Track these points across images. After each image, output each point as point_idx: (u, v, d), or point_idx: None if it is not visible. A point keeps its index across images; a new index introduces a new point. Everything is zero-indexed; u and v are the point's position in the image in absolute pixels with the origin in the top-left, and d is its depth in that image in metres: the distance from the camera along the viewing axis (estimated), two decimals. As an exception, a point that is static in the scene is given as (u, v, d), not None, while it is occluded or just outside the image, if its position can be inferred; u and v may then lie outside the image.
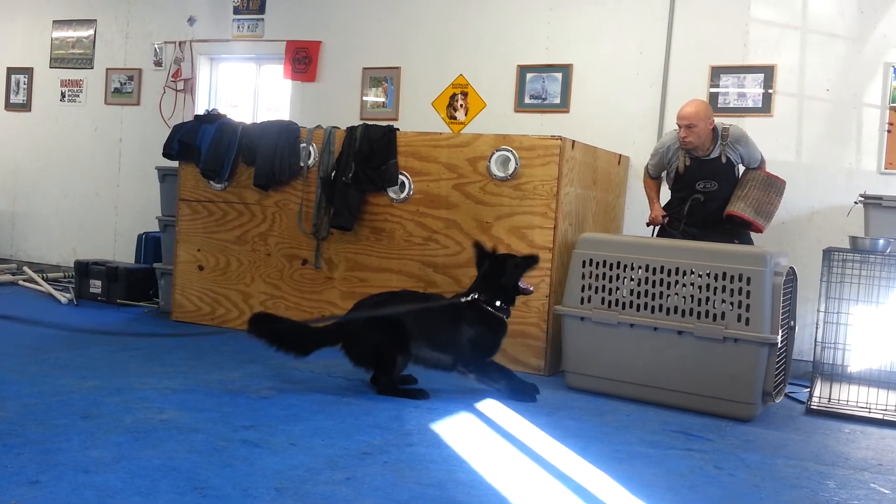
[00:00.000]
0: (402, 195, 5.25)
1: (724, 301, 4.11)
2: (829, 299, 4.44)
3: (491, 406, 4.03)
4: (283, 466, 2.90)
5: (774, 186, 4.94)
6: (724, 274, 4.12)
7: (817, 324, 4.46)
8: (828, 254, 4.50)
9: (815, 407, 4.36)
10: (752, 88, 5.62)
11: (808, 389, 4.55)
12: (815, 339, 4.47)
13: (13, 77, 8.53)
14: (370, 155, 5.27)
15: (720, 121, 5.07)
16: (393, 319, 4.06)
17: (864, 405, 4.30)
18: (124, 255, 7.68)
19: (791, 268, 4.29)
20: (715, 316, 4.12)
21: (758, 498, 2.96)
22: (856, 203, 4.88)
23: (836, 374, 4.49)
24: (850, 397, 4.35)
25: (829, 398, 4.37)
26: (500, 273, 4.23)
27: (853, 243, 4.57)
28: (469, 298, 4.18)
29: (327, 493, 2.68)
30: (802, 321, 4.95)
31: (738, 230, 5.00)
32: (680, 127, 4.90)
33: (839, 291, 4.47)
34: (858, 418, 4.25)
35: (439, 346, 4.16)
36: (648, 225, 5.25)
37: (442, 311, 4.19)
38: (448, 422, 3.69)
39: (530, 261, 4.32)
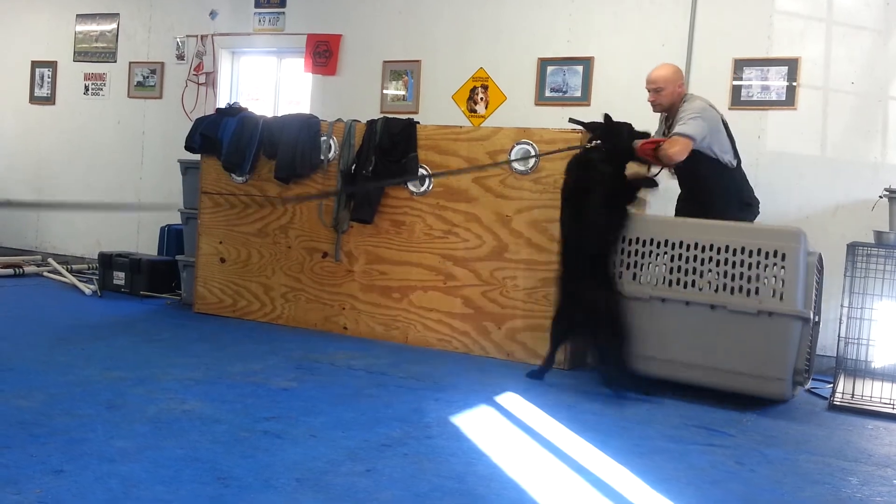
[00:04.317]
0: (422, 188, 5.25)
1: (758, 277, 4.09)
2: (853, 294, 4.39)
3: (511, 399, 4.03)
4: (303, 458, 2.93)
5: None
6: (759, 250, 4.10)
7: (841, 319, 4.42)
8: (852, 248, 4.46)
9: (838, 403, 4.32)
10: (776, 81, 5.55)
11: (831, 385, 4.52)
12: (839, 334, 4.43)
13: (37, 70, 8.61)
14: (390, 148, 5.28)
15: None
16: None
17: (888, 401, 4.26)
18: (147, 247, 7.74)
19: (819, 254, 4.27)
20: (749, 291, 4.10)
21: (779, 494, 2.94)
22: (881, 197, 4.81)
23: (859, 370, 4.44)
24: (874, 393, 4.31)
25: (853, 394, 4.33)
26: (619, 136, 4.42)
27: (878, 238, 4.53)
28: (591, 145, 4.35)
29: (347, 484, 2.70)
30: (826, 316, 4.90)
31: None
32: (649, 91, 4.79)
33: (863, 286, 4.43)
34: (882, 414, 4.21)
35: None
36: None
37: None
38: (468, 415, 3.69)
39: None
